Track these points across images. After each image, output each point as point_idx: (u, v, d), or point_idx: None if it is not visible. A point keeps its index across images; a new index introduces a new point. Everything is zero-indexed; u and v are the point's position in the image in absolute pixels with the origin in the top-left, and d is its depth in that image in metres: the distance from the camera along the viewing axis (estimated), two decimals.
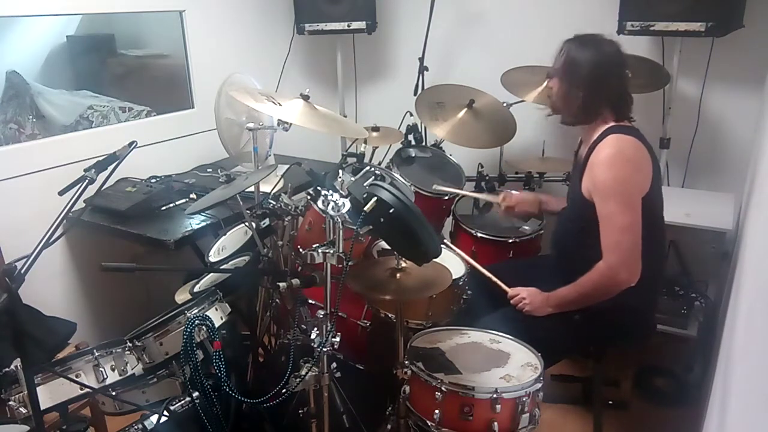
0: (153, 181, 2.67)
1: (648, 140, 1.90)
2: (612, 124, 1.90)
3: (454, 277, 1.84)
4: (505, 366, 1.72)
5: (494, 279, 2.08)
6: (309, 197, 2.05)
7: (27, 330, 1.96)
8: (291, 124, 2.38)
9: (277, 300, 2.12)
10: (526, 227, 2.53)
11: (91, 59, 3.50)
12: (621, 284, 1.79)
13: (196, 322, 1.63)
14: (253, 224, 2.04)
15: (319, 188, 1.74)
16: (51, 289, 2.51)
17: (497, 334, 1.86)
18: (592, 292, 1.85)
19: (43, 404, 1.40)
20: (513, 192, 2.32)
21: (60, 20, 3.32)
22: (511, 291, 2.02)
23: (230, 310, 1.83)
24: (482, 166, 2.73)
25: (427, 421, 1.65)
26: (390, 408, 1.89)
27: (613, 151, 1.83)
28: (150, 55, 3.55)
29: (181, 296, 2.09)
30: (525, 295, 1.98)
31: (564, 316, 1.93)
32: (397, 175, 2.38)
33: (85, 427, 1.66)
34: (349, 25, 3.12)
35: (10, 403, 1.45)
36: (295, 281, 1.67)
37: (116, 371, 1.57)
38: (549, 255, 2.24)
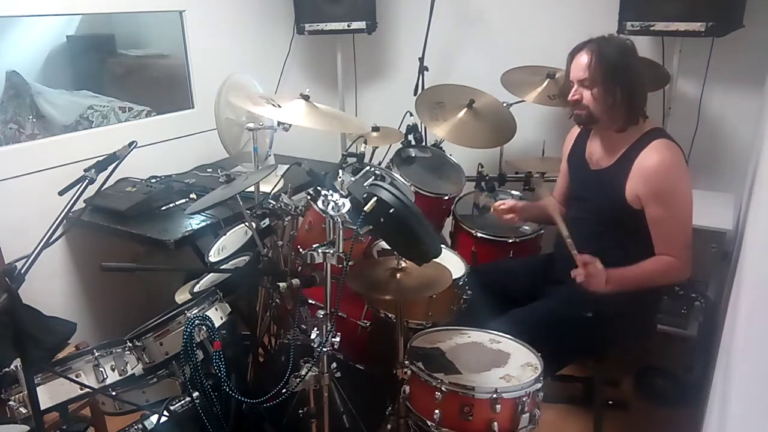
0: (153, 181, 2.66)
1: None
2: (650, 127, 1.91)
3: (454, 277, 1.84)
4: (505, 366, 1.72)
5: (571, 244, 1.84)
6: (309, 197, 2.05)
7: (27, 330, 1.96)
8: (291, 124, 2.38)
9: (277, 300, 2.12)
10: (526, 227, 2.54)
11: (91, 59, 3.50)
12: (684, 279, 1.92)
13: (196, 322, 1.63)
14: (253, 224, 2.04)
15: (319, 188, 1.74)
16: (51, 289, 2.51)
17: (497, 334, 1.86)
18: (658, 280, 1.93)
19: (43, 404, 1.40)
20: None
21: (60, 20, 3.32)
22: (580, 260, 1.82)
23: (230, 310, 1.83)
24: (482, 166, 2.73)
25: (427, 421, 1.65)
26: (390, 408, 1.89)
27: (671, 156, 1.85)
28: (150, 55, 3.56)
29: (181, 296, 2.09)
30: (594, 270, 1.81)
31: (576, 315, 1.92)
32: (397, 175, 2.38)
33: (85, 427, 1.66)
34: (349, 25, 3.12)
35: (10, 403, 1.45)
36: (295, 281, 1.66)
37: (116, 371, 1.56)
38: (549, 254, 2.24)
